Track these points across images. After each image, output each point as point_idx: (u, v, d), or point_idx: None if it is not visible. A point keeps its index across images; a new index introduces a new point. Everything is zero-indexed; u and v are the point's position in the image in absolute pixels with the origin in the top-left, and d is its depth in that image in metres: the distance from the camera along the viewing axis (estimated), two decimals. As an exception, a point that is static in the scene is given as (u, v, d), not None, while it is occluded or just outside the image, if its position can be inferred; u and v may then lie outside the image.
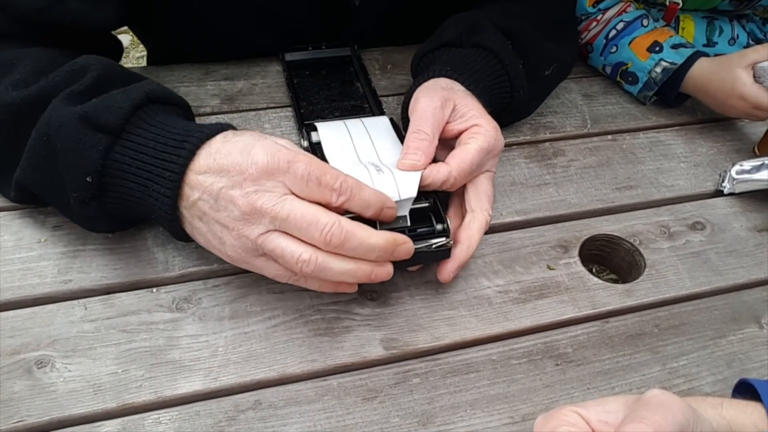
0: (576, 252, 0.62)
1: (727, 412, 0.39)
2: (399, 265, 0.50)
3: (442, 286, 0.57)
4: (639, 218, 0.66)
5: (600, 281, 0.60)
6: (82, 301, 0.53)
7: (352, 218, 0.47)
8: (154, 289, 0.55)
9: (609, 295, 0.59)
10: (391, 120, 0.64)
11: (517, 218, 0.65)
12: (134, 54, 2.12)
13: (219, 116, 0.72)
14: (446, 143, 0.56)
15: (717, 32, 0.93)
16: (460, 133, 0.56)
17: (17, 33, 0.59)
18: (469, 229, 0.54)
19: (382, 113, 0.69)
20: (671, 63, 0.78)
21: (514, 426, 0.49)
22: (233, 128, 0.50)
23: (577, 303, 0.58)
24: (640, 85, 0.80)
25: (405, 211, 0.51)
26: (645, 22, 0.82)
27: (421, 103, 0.55)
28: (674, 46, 0.79)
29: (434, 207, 0.54)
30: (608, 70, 0.83)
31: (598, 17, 0.84)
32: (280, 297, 0.55)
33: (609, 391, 0.52)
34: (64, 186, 0.50)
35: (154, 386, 0.49)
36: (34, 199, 0.55)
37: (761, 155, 0.75)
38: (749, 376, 0.49)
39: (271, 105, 0.74)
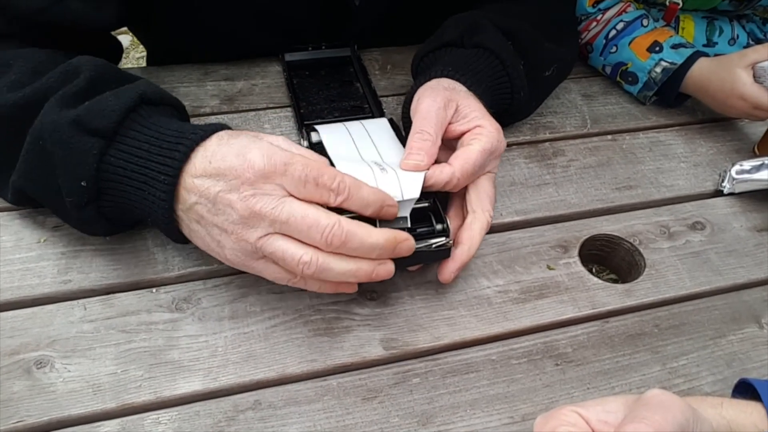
0: (576, 252, 0.62)
1: (727, 411, 0.39)
2: (399, 265, 0.50)
3: (442, 286, 0.57)
4: (639, 218, 0.66)
5: (600, 281, 0.60)
6: (81, 301, 0.53)
7: (352, 217, 0.47)
8: (154, 290, 0.55)
9: (609, 295, 0.59)
10: (391, 120, 0.64)
11: (516, 218, 0.65)
12: (134, 54, 2.13)
13: (219, 116, 0.72)
14: (448, 144, 0.56)
15: (717, 32, 0.93)
16: (463, 134, 0.56)
17: (17, 33, 0.58)
18: (471, 230, 0.54)
19: (381, 114, 0.69)
20: (671, 63, 0.78)
21: (514, 426, 0.49)
22: (228, 128, 0.50)
23: (577, 303, 0.58)
24: (640, 85, 0.80)
25: (406, 212, 0.51)
26: (645, 22, 0.82)
27: (423, 104, 0.55)
28: (674, 46, 0.79)
29: (434, 207, 0.54)
30: (608, 70, 0.83)
31: (598, 17, 0.84)
32: (280, 297, 0.55)
33: (609, 390, 0.52)
34: (60, 190, 0.49)
35: (154, 386, 0.49)
36: (32, 202, 0.55)
37: (761, 155, 0.75)
38: (749, 376, 0.49)
39: (271, 105, 0.74)
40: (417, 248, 0.49)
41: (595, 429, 0.35)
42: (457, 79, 0.60)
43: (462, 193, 0.57)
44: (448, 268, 0.54)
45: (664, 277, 0.61)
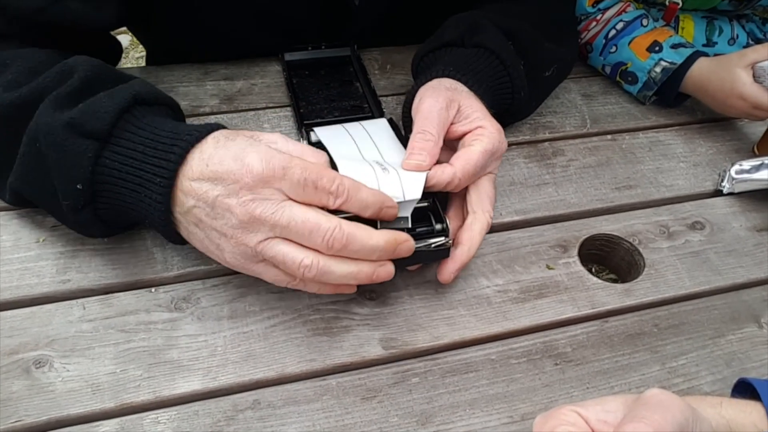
0: (575, 252, 0.62)
1: (727, 411, 0.39)
2: (398, 265, 0.50)
3: (441, 285, 0.57)
4: (638, 218, 0.66)
5: (599, 281, 0.60)
6: (80, 300, 0.53)
7: (350, 217, 0.47)
8: (153, 289, 0.55)
9: (608, 294, 0.59)
10: (390, 120, 0.64)
11: (516, 218, 0.65)
12: (134, 54, 2.13)
13: (218, 116, 0.72)
14: (449, 144, 0.56)
15: (716, 32, 0.93)
16: (464, 135, 0.56)
17: (17, 33, 0.58)
18: (471, 231, 0.54)
19: (381, 113, 0.69)
20: (671, 63, 0.78)
21: (513, 425, 0.49)
22: (224, 128, 0.50)
23: (577, 303, 0.58)
24: (639, 84, 0.80)
25: (408, 212, 0.51)
26: (645, 21, 0.82)
27: (425, 104, 0.55)
28: (674, 46, 0.79)
29: (433, 207, 0.54)
30: (608, 69, 0.83)
31: (598, 17, 0.84)
32: (279, 297, 0.55)
33: (608, 390, 0.52)
34: (56, 192, 0.49)
35: (153, 386, 0.49)
36: (30, 203, 0.55)
37: (761, 155, 0.75)
38: (748, 376, 0.49)
39: (271, 105, 0.74)
40: (416, 248, 0.49)
41: (594, 428, 0.35)
42: (459, 79, 0.60)
43: (462, 194, 0.57)
44: (448, 269, 0.54)
45: (664, 276, 0.61)
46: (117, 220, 0.53)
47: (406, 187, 0.51)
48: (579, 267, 0.61)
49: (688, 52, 0.77)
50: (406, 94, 0.64)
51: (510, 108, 0.67)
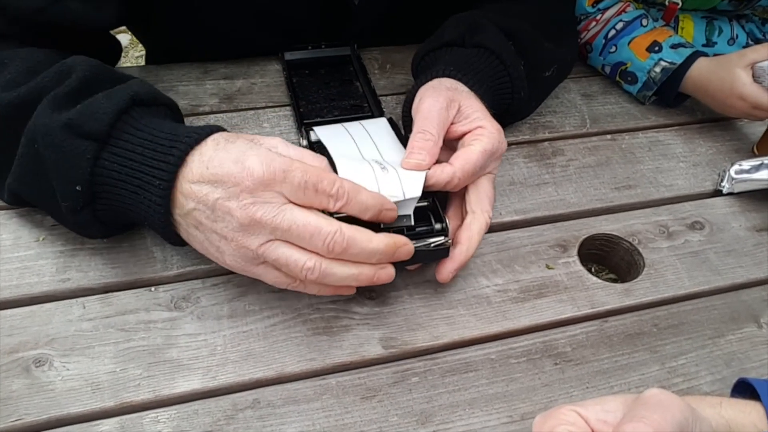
0: (575, 251, 0.62)
1: (726, 411, 0.39)
2: (398, 265, 0.50)
3: (441, 285, 0.57)
4: (638, 218, 0.66)
5: (599, 281, 0.60)
6: (80, 299, 0.53)
7: (344, 218, 0.47)
8: (153, 288, 0.55)
9: (608, 294, 0.59)
10: (390, 120, 0.64)
11: (516, 218, 0.65)
12: (133, 53, 2.12)
13: (218, 115, 0.72)
14: (449, 144, 0.56)
15: (716, 32, 0.93)
16: (464, 135, 0.56)
17: (16, 33, 0.58)
18: (470, 230, 0.54)
19: (381, 113, 0.69)
20: (670, 63, 0.78)
21: (513, 425, 0.49)
22: (223, 130, 0.49)
23: (576, 302, 0.58)
24: (639, 84, 0.80)
25: (409, 211, 0.51)
26: (644, 21, 0.82)
27: (426, 103, 0.55)
28: (673, 46, 0.79)
29: (433, 206, 0.54)
30: (607, 69, 0.83)
31: (598, 17, 0.84)
32: (279, 296, 0.55)
33: (608, 390, 0.52)
34: (54, 194, 0.49)
35: (153, 385, 0.49)
36: (28, 203, 0.55)
37: (760, 155, 0.75)
38: (748, 376, 0.49)
39: (270, 104, 0.74)
40: (416, 247, 0.49)
41: (594, 428, 0.35)
42: (459, 79, 0.60)
43: (461, 194, 0.57)
44: (446, 268, 0.54)
45: (663, 276, 0.61)
46: (116, 220, 0.53)
47: (405, 186, 0.51)
48: (579, 267, 0.61)
49: (687, 52, 0.77)
50: (406, 93, 0.64)
51: (510, 108, 0.67)
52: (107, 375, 0.49)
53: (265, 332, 0.53)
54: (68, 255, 0.56)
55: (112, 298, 0.54)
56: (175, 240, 0.51)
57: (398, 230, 0.51)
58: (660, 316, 0.58)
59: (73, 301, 0.53)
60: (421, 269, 0.58)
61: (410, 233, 0.51)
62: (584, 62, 0.86)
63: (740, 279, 0.62)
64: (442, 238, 0.52)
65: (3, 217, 0.58)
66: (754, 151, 0.77)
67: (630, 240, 0.64)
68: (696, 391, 0.53)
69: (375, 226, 0.49)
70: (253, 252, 0.46)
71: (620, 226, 0.65)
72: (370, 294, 0.56)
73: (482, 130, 0.55)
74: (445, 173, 0.52)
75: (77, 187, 0.48)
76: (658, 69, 0.78)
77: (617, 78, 0.82)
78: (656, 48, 0.79)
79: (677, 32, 0.91)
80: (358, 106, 0.72)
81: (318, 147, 0.59)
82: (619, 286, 0.60)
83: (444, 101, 0.55)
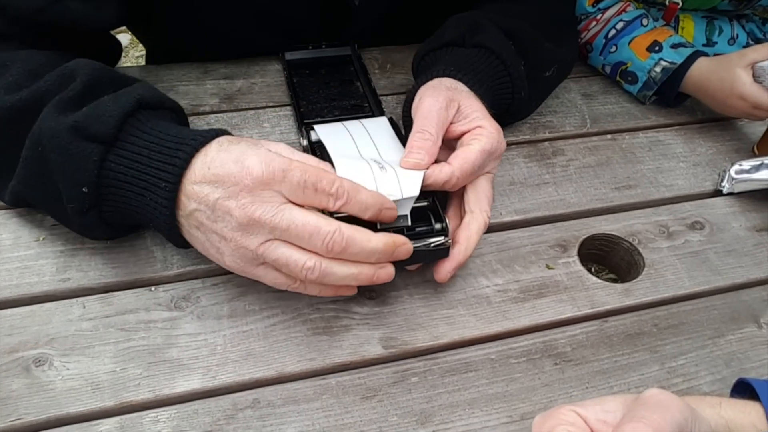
0: (575, 251, 0.62)
1: (726, 411, 0.39)
2: (398, 265, 0.50)
3: (441, 285, 0.57)
4: (638, 218, 0.66)
5: (599, 281, 0.60)
6: (80, 299, 0.53)
7: (343, 218, 0.47)
8: (153, 288, 0.55)
9: (608, 294, 0.59)
10: (390, 119, 0.64)
11: (516, 217, 0.65)
12: (133, 53, 2.12)
13: (218, 115, 0.72)
14: (448, 144, 0.56)
15: (716, 32, 0.93)
16: (463, 134, 0.56)
17: (16, 34, 0.58)
18: (468, 230, 0.54)
19: (381, 112, 0.69)
20: (671, 62, 0.78)
21: (513, 425, 0.49)
22: (228, 134, 0.50)
23: (576, 302, 0.58)
24: (639, 84, 0.80)
25: (406, 210, 0.51)
26: (645, 21, 0.82)
27: (425, 103, 0.55)
28: (674, 46, 0.79)
29: (433, 206, 0.54)
30: (608, 69, 0.83)
31: (598, 17, 0.84)
32: (279, 296, 0.55)
33: (607, 390, 0.52)
34: (60, 196, 0.49)
35: (153, 385, 0.49)
36: (30, 206, 0.55)
37: (760, 155, 0.75)
38: (748, 376, 0.49)
39: (271, 104, 0.74)
40: (415, 247, 0.49)
41: (593, 428, 0.35)
42: (459, 79, 0.60)
43: (460, 193, 0.57)
44: (445, 268, 0.54)
45: (663, 276, 0.61)
46: (122, 222, 0.53)
47: (403, 185, 0.51)
48: (579, 267, 0.61)
49: (688, 51, 0.77)
50: (406, 93, 0.64)
51: (510, 108, 0.67)
52: (107, 375, 0.49)
53: (265, 332, 0.53)
54: (68, 255, 0.56)
55: (112, 297, 0.54)
56: (179, 242, 0.51)
57: (398, 230, 0.51)
58: (660, 316, 0.58)
59: (73, 300, 0.53)
60: (421, 269, 0.58)
61: (410, 233, 0.51)
62: (584, 62, 0.86)
63: (740, 279, 0.62)
64: (442, 238, 0.52)
65: (3, 217, 0.58)
66: (754, 151, 0.77)
67: (630, 240, 0.64)
68: (696, 391, 0.53)
69: (372, 226, 0.49)
70: (253, 252, 0.46)
71: (620, 226, 0.65)
72: (370, 294, 0.56)
73: (481, 130, 0.55)
74: (444, 173, 0.52)
75: (84, 189, 0.48)
76: (658, 69, 0.78)
77: (617, 78, 0.82)
78: (656, 48, 0.79)
79: (677, 32, 0.91)
80: (359, 106, 0.72)
81: (318, 147, 0.59)
82: (619, 286, 0.60)
83: (443, 101, 0.55)
